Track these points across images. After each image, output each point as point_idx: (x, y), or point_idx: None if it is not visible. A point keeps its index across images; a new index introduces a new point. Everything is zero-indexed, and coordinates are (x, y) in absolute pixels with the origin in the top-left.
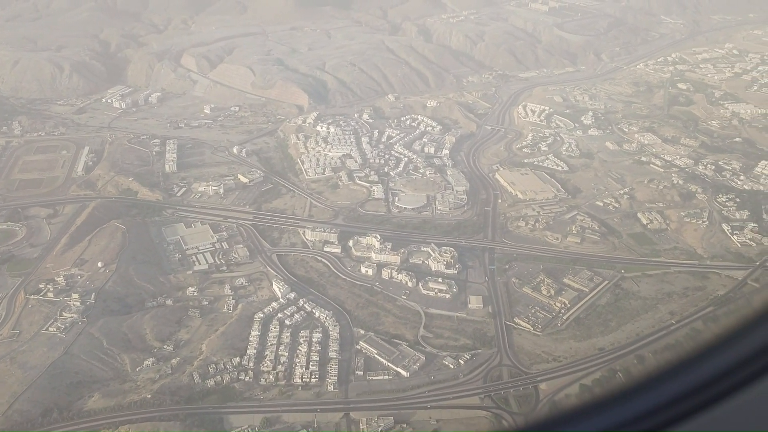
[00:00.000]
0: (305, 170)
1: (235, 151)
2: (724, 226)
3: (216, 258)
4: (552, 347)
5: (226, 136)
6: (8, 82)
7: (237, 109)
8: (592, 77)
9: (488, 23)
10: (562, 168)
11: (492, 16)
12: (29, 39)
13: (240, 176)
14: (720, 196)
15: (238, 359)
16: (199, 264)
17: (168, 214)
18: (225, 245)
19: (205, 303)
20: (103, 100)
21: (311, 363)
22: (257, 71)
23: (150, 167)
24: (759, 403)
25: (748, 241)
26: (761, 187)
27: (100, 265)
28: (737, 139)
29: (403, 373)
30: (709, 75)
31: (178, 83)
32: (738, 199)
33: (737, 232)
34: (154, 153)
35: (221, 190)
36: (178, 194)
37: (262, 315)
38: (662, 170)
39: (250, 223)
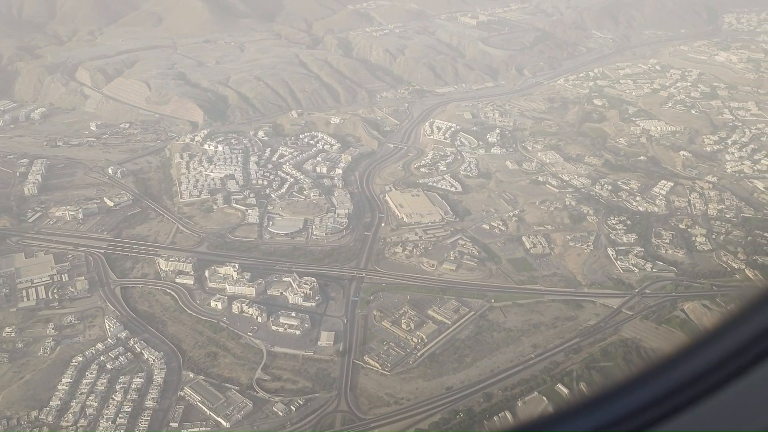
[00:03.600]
0: (181, 192)
1: (110, 171)
2: (609, 251)
3: (49, 292)
4: (397, 388)
5: (106, 155)
6: None
7: (127, 126)
8: (510, 93)
9: (412, 37)
10: (456, 188)
11: (418, 30)
12: None
13: (106, 200)
14: (611, 218)
15: (36, 412)
16: (27, 300)
17: (11, 242)
18: (65, 277)
19: (20, 345)
20: None
21: (121, 415)
22: (153, 86)
23: (8, 190)
24: (740, 400)
25: (631, 266)
26: (655, 208)
27: None
28: (642, 157)
29: (224, 423)
30: (627, 91)
31: (69, 98)
32: (629, 222)
33: (621, 257)
34: (17, 174)
35: (80, 215)
36: (31, 220)
37: (81, 358)
38: (557, 191)
39: (103, 251)
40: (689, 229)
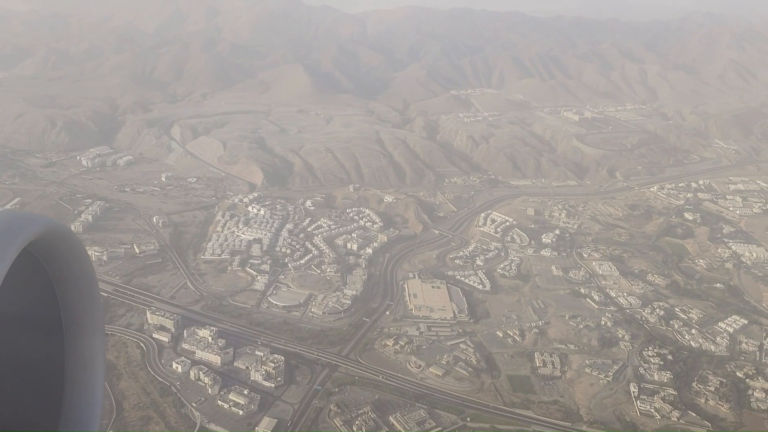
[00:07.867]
0: (205, 249)
1: (154, 220)
2: (632, 387)
3: None
4: None
5: (161, 205)
6: (4, 132)
7: (194, 180)
8: (590, 194)
9: (502, 126)
10: (485, 287)
11: (512, 120)
12: (50, 97)
13: (135, 246)
14: (649, 348)
15: None
16: None
17: None
18: None
19: None
20: (77, 157)
21: None
22: (228, 146)
23: None
24: None
25: (652, 410)
26: (712, 347)
27: None
28: (719, 285)
29: None
30: (731, 208)
31: (156, 150)
32: (670, 357)
33: (644, 396)
34: (75, 212)
35: (104, 257)
36: None
37: None
38: (597, 307)
39: (106, 295)
40: (748, 380)
